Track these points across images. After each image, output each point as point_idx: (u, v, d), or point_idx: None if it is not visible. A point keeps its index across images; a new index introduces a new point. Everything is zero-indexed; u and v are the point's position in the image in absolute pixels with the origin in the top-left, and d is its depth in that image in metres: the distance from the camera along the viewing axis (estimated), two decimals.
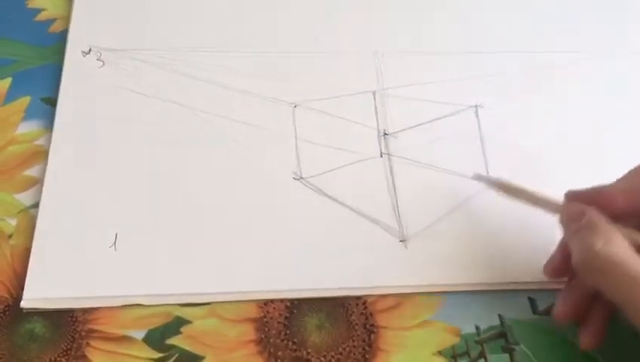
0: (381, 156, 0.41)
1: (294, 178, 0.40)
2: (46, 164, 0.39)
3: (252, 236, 0.38)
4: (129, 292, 0.36)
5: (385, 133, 0.42)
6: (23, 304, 0.35)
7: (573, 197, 0.35)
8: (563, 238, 0.35)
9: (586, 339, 0.34)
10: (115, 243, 0.37)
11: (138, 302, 0.36)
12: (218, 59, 0.44)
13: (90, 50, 0.43)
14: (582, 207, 0.33)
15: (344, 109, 0.42)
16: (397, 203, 0.39)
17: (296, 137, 0.41)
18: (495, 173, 0.40)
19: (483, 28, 0.46)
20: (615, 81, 0.44)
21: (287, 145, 0.41)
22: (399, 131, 0.42)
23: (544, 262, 0.37)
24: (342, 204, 0.39)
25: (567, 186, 0.35)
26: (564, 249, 0.35)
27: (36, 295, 0.36)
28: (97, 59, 0.43)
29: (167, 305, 0.36)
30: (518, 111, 0.43)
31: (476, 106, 0.43)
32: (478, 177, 0.39)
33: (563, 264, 0.35)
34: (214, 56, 0.44)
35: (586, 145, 0.42)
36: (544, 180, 0.40)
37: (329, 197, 0.39)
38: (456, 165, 0.40)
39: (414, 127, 0.42)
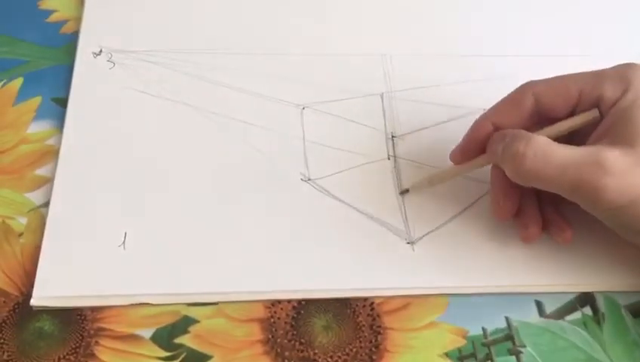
0: (388, 158, 0.41)
1: (302, 179, 0.40)
2: (56, 164, 0.40)
3: (260, 236, 0.38)
4: (137, 291, 0.36)
5: (393, 136, 0.42)
6: (33, 302, 0.35)
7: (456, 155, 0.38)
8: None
9: (527, 233, 0.37)
10: (124, 242, 0.37)
11: (146, 301, 0.36)
12: (227, 60, 0.44)
13: (100, 51, 0.43)
14: (505, 131, 0.36)
15: (352, 111, 0.42)
16: (404, 205, 0.39)
17: (304, 139, 0.41)
18: None
19: (491, 31, 0.46)
20: None
21: (295, 146, 0.41)
22: (407, 134, 0.42)
23: (552, 265, 0.37)
24: (349, 205, 0.39)
25: None
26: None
27: (46, 293, 0.36)
28: (108, 60, 0.43)
29: (175, 304, 0.36)
30: None
31: (484, 109, 0.42)
32: (411, 188, 0.40)
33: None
34: (223, 57, 0.44)
35: None
36: None
37: (337, 198, 0.39)
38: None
39: (422, 129, 0.42)
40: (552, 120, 0.36)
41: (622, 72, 0.34)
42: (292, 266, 0.37)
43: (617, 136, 0.33)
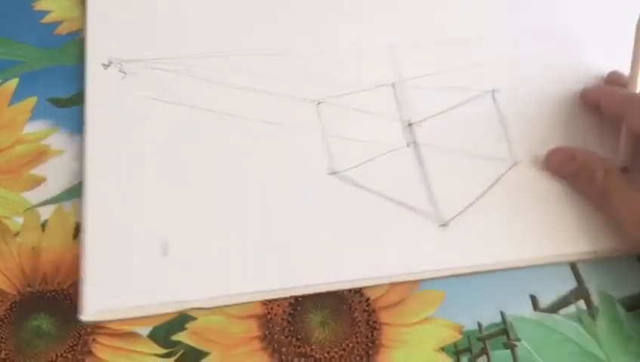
0: (408, 146, 0.42)
1: (329, 173, 0.40)
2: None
3: (298, 232, 0.38)
4: (186, 297, 0.36)
5: (409, 123, 0.42)
6: (83, 318, 0.35)
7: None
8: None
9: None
10: (165, 249, 0.37)
11: (197, 306, 0.36)
12: (237, 62, 0.44)
13: (110, 62, 0.43)
14: (573, 151, 0.40)
15: (367, 103, 0.43)
16: (430, 189, 0.40)
17: (324, 133, 0.42)
18: (518, 152, 0.42)
19: (493, 13, 0.47)
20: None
21: (317, 141, 0.41)
22: (423, 120, 0.42)
23: (580, 233, 0.39)
24: (379, 194, 0.40)
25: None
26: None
27: (95, 308, 0.35)
28: (119, 71, 0.43)
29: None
30: (534, 93, 0.44)
31: (492, 91, 0.44)
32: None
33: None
34: (233, 60, 0.44)
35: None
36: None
37: (366, 188, 0.40)
38: (481, 148, 0.41)
39: (437, 114, 0.43)
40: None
41: None
42: (332, 259, 0.38)
43: None
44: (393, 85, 0.43)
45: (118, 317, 0.36)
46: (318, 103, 0.42)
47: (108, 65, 0.43)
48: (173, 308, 0.36)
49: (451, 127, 0.42)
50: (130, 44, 0.44)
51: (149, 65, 0.43)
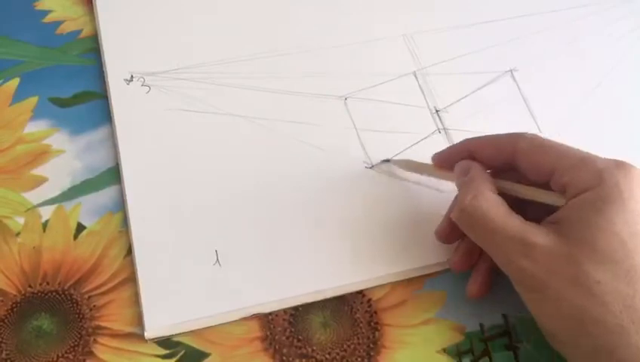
0: (439, 132, 0.42)
1: (366, 167, 0.40)
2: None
3: (345, 228, 0.38)
4: (245, 304, 0.36)
5: (437, 110, 0.43)
6: (147, 335, 0.35)
7: (439, 159, 0.38)
8: (451, 203, 0.37)
9: (470, 287, 0.36)
10: (217, 259, 0.37)
11: (258, 312, 0.36)
12: (255, 65, 0.44)
13: (132, 77, 0.43)
14: (469, 163, 0.35)
15: (392, 94, 0.43)
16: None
17: (355, 128, 0.42)
18: (545, 128, 0.42)
19: None
20: None
21: (350, 136, 0.41)
22: (449, 105, 0.43)
23: None
24: (419, 183, 0.40)
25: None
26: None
27: (158, 324, 0.35)
28: (142, 85, 0.42)
29: None
30: (552, 69, 0.45)
31: (511, 70, 0.44)
32: (386, 162, 0.41)
33: (449, 227, 0.36)
34: (251, 63, 0.44)
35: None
36: (591, 126, 0.43)
37: (406, 179, 0.40)
38: (510, 127, 0.41)
39: (462, 99, 0.43)
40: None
41: (603, 169, 0.31)
42: (386, 251, 0.38)
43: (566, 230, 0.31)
44: (414, 73, 0.44)
45: (182, 330, 0.36)
46: (345, 99, 0.42)
47: (130, 80, 0.42)
48: (235, 316, 0.36)
49: (477, 110, 0.43)
50: (148, 57, 0.43)
51: (171, 77, 0.43)
